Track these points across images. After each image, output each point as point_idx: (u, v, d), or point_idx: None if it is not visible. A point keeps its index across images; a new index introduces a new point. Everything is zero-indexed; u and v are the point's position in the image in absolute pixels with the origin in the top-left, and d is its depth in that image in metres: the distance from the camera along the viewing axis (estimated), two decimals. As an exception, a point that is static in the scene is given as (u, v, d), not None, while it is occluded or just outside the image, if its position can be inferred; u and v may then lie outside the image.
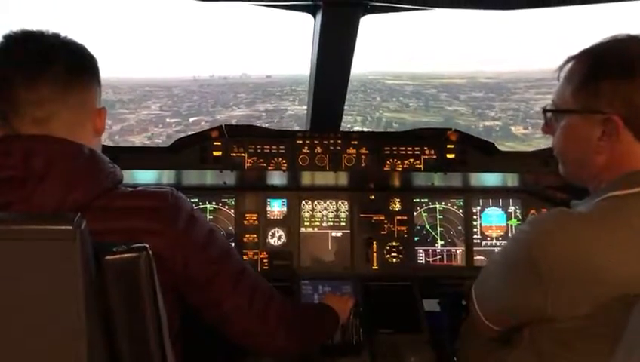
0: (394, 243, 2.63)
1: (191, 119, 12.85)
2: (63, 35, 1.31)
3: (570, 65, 1.30)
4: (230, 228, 2.61)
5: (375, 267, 2.60)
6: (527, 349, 1.28)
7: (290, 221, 2.64)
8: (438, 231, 2.68)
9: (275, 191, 2.67)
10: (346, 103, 2.55)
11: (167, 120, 13.01)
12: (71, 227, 0.92)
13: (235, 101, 14.38)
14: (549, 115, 1.38)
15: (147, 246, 1.06)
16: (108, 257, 1.02)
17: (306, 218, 2.66)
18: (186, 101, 14.35)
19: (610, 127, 1.21)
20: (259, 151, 2.36)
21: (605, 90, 1.20)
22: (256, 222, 2.63)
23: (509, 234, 2.68)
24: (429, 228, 2.68)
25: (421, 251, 2.66)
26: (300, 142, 2.38)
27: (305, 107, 2.74)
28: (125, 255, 1.04)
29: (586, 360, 1.17)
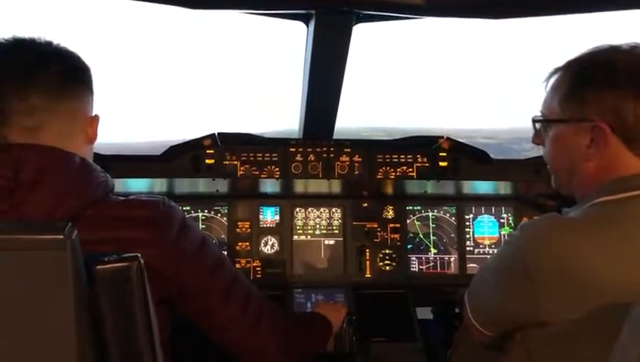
0: (387, 251, 2.63)
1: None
2: (55, 42, 1.30)
3: (556, 76, 1.34)
4: (223, 236, 2.60)
5: (368, 275, 2.60)
6: (519, 354, 1.29)
7: (283, 229, 2.63)
8: (431, 239, 2.68)
9: (268, 199, 2.66)
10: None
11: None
12: (62, 236, 0.90)
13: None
14: (537, 125, 1.40)
15: (139, 255, 1.05)
16: (99, 267, 1.01)
17: (299, 226, 2.65)
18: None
19: (598, 135, 1.23)
20: (252, 159, 2.36)
21: (591, 99, 1.23)
22: (248, 230, 2.62)
23: (502, 242, 2.69)
24: (422, 235, 2.69)
25: (414, 259, 2.65)
26: (293, 150, 2.38)
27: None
28: (116, 265, 1.02)
29: None
